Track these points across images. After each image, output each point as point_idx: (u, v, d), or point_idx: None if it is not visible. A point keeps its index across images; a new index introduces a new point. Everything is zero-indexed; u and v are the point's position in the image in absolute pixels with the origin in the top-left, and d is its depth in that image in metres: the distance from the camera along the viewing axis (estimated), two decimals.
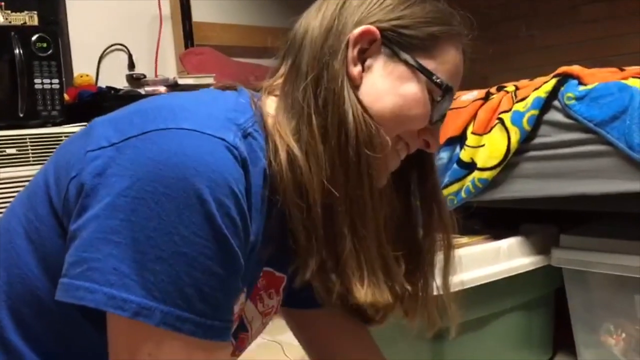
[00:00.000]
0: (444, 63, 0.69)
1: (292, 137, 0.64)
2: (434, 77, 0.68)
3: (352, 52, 0.66)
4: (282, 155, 0.63)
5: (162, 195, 0.53)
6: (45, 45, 1.76)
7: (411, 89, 0.67)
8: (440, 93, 0.69)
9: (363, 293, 0.66)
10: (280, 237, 0.67)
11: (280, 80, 0.71)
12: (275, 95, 0.70)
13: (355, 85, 0.66)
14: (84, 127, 1.83)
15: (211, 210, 0.54)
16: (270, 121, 0.67)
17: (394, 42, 0.67)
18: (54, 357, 0.62)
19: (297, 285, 0.68)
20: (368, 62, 0.67)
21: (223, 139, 0.57)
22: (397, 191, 0.75)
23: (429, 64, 0.68)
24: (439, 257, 0.79)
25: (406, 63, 0.67)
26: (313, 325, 0.87)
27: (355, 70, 0.66)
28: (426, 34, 0.68)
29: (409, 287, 0.73)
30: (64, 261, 0.56)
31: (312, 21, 0.69)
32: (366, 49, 0.67)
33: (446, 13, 0.71)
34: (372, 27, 0.67)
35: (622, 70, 1.31)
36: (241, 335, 0.75)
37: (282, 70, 0.71)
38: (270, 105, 0.69)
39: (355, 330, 0.87)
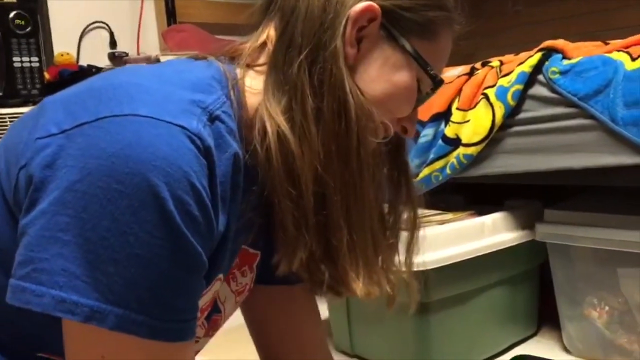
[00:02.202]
0: (437, 49, 0.67)
1: (283, 117, 0.60)
2: (429, 68, 0.65)
3: (351, 31, 0.61)
4: (272, 138, 0.59)
5: (116, 191, 0.49)
6: (23, 22, 1.73)
7: (403, 77, 0.65)
8: (431, 85, 0.67)
9: (360, 286, 0.64)
10: (257, 218, 0.64)
11: (266, 50, 0.65)
12: (258, 68, 0.65)
13: (350, 67, 0.62)
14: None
15: (168, 207, 0.50)
16: (253, 100, 0.62)
17: (393, 23, 0.64)
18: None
19: (279, 273, 0.65)
20: (364, 43, 0.63)
21: (183, 127, 0.52)
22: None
23: (423, 51, 0.65)
24: (404, 235, 0.77)
25: (403, 49, 0.64)
26: (262, 301, 0.84)
27: (352, 51, 0.62)
28: (424, 19, 0.64)
29: (405, 275, 0.71)
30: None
31: None
32: (364, 27, 0.62)
33: None
34: (375, 4, 0.62)
35: (606, 44, 1.31)
36: (214, 317, 0.74)
37: (265, 35, 0.66)
38: (252, 81, 0.64)
39: (306, 306, 0.86)
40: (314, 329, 0.89)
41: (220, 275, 0.66)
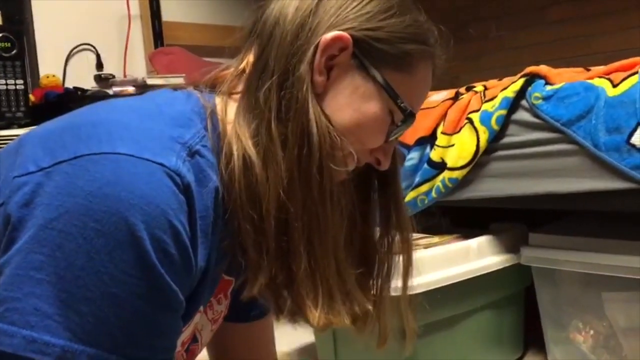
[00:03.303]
0: (412, 82, 0.66)
1: (251, 140, 0.60)
2: (398, 101, 0.64)
3: (320, 59, 0.61)
4: (237, 161, 0.59)
5: (92, 230, 0.49)
6: (9, 45, 1.72)
7: (373, 108, 0.63)
8: (401, 117, 0.65)
9: (316, 316, 0.62)
10: (233, 247, 0.63)
11: (243, 76, 0.65)
12: (236, 96, 0.64)
13: (317, 94, 0.62)
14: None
15: (145, 247, 0.50)
16: (229, 128, 0.62)
17: (365, 54, 0.63)
18: None
19: (243, 298, 0.65)
20: (334, 71, 0.63)
21: (162, 164, 0.52)
22: (356, 198, 0.70)
23: (396, 83, 0.64)
24: (398, 264, 0.76)
25: (374, 80, 0.63)
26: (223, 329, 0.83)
27: (320, 78, 0.62)
28: (400, 51, 0.64)
29: (369, 307, 0.69)
30: None
31: (287, 7, 0.63)
32: (335, 56, 0.62)
33: (425, 30, 0.67)
34: (345, 34, 0.61)
35: (588, 70, 1.33)
36: (192, 347, 0.73)
37: (245, 62, 0.66)
38: (232, 111, 0.63)
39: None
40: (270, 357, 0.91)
41: (201, 307, 0.65)
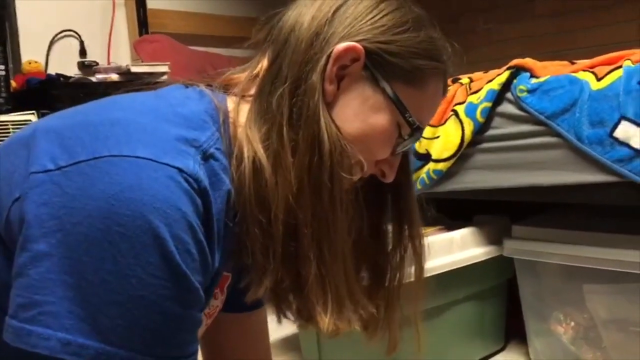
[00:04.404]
0: (422, 97, 0.66)
1: (262, 144, 0.60)
2: (407, 115, 0.64)
3: (332, 68, 0.62)
4: (248, 164, 0.60)
5: (116, 234, 0.49)
6: None
7: (381, 120, 0.64)
8: (409, 131, 0.66)
9: (326, 321, 0.63)
10: (240, 249, 0.64)
11: (257, 80, 0.66)
12: (249, 98, 0.65)
13: (328, 103, 0.62)
14: (28, 117, 1.73)
15: (169, 248, 0.51)
16: (240, 131, 0.63)
17: (376, 66, 0.63)
18: None
19: (248, 300, 0.65)
20: (345, 81, 0.63)
21: (180, 169, 0.53)
22: (367, 208, 0.71)
23: (406, 97, 0.64)
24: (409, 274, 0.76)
25: (383, 92, 0.63)
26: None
27: (330, 87, 0.62)
28: (412, 66, 0.64)
29: (374, 312, 0.70)
30: (10, 295, 0.51)
31: (304, 15, 0.64)
32: (346, 66, 0.63)
33: (438, 46, 0.67)
34: (358, 46, 0.62)
35: (572, 63, 1.33)
36: None
37: (260, 66, 0.67)
38: (244, 114, 0.64)
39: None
40: (264, 352, 0.92)
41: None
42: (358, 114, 0.64)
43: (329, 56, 0.62)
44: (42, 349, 0.49)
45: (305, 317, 0.66)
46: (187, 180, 0.53)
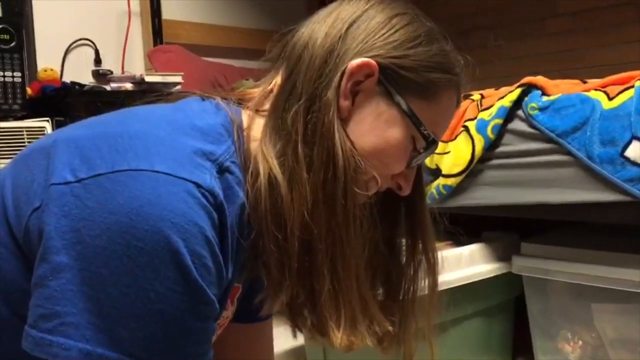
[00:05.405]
0: (436, 110, 0.67)
1: (277, 161, 0.61)
2: (422, 128, 0.65)
3: (346, 84, 0.62)
4: (263, 181, 0.60)
5: (135, 248, 0.50)
6: (7, 37, 1.72)
7: (395, 134, 0.64)
8: (424, 145, 0.66)
9: (339, 337, 0.63)
10: (255, 264, 0.65)
11: (271, 96, 0.67)
12: (263, 113, 0.66)
13: (342, 119, 0.63)
14: (42, 124, 1.74)
15: (186, 262, 0.52)
16: (254, 145, 0.63)
17: (390, 81, 0.64)
18: None
19: (263, 314, 0.67)
20: (359, 97, 0.64)
21: (198, 184, 0.54)
22: (381, 222, 0.72)
23: (420, 110, 0.65)
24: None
25: (398, 106, 0.64)
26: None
27: (345, 103, 0.63)
28: (425, 80, 0.64)
29: (390, 328, 0.70)
30: (29, 304, 0.53)
31: (317, 32, 0.64)
32: (360, 82, 0.63)
33: (451, 59, 0.67)
34: (372, 61, 0.62)
35: (584, 82, 1.34)
36: None
37: (274, 82, 0.67)
38: (258, 128, 0.65)
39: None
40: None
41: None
42: (373, 128, 0.64)
43: (343, 72, 0.62)
44: (63, 359, 0.50)
45: (320, 332, 0.66)
46: (204, 195, 0.54)
